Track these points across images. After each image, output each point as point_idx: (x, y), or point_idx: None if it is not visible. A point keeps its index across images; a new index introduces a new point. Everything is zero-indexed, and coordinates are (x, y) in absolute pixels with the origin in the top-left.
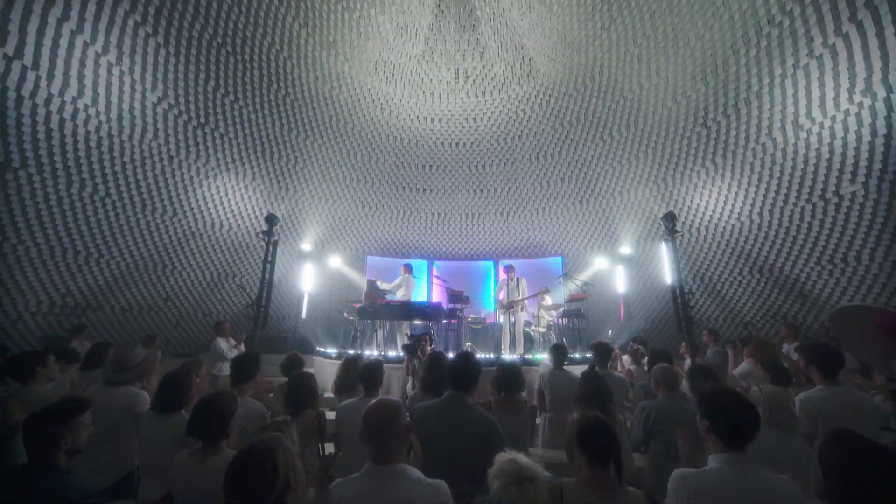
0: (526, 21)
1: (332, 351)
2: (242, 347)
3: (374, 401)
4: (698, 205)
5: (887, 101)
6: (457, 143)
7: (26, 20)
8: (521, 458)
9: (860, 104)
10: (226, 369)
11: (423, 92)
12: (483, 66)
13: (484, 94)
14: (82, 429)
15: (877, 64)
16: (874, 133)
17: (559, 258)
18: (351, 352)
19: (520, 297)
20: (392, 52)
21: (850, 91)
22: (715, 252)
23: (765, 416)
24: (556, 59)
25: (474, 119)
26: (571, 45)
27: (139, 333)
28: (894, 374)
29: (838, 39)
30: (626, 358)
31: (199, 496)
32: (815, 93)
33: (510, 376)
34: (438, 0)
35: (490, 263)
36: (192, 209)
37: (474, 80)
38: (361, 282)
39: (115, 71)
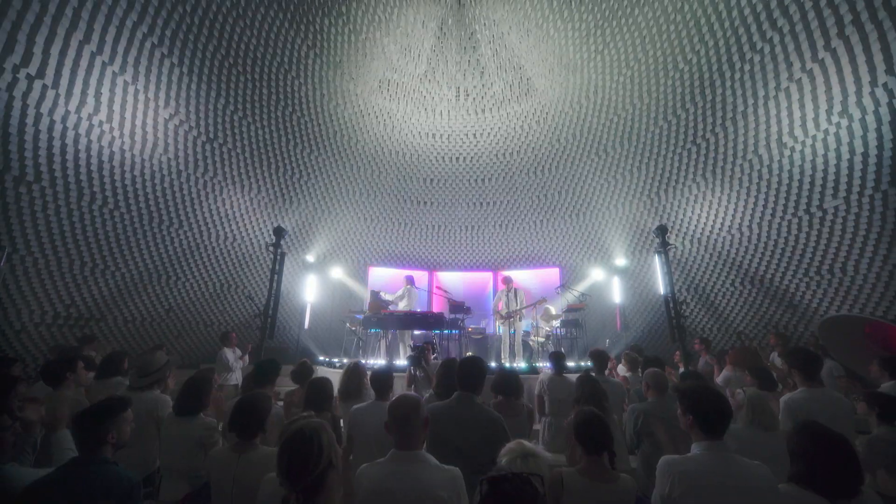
0: (524, 44)
1: (334, 360)
2: (247, 359)
3: (395, 398)
4: (690, 218)
5: (863, 121)
6: (457, 158)
7: (50, 42)
8: (525, 441)
9: (838, 124)
10: (231, 379)
11: (426, 109)
12: (483, 85)
13: (483, 111)
14: (125, 424)
15: (851, 88)
16: (852, 151)
17: (557, 269)
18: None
19: (517, 308)
20: (396, 72)
21: (829, 112)
22: (707, 263)
23: (749, 416)
24: (553, 80)
25: (474, 135)
26: (567, 67)
27: (141, 345)
28: (871, 379)
29: (815, 65)
30: (621, 367)
31: (235, 487)
32: (797, 113)
33: (509, 381)
34: (441, 23)
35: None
36: (197, 221)
37: (474, 98)
38: (363, 292)
39: (131, 89)
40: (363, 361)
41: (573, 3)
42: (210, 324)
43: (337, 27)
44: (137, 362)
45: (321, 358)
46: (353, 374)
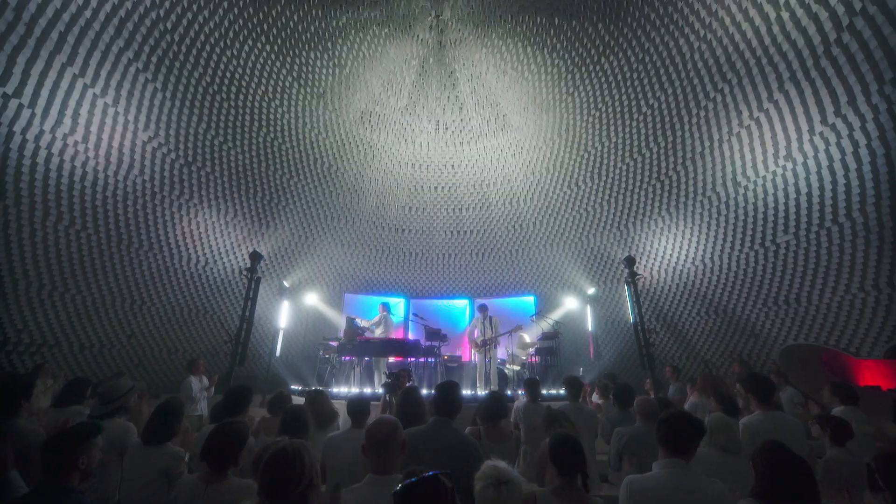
0: (500, 83)
1: (306, 388)
2: (213, 390)
3: (373, 421)
4: (657, 249)
5: (805, 165)
6: (435, 188)
7: (32, 63)
8: (501, 464)
9: (784, 167)
10: (196, 410)
11: (406, 140)
12: (461, 120)
13: (461, 143)
14: (96, 450)
15: (793, 135)
16: (798, 191)
17: (533, 297)
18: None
19: (492, 335)
20: (378, 104)
21: (775, 156)
22: (674, 293)
23: (712, 440)
24: (528, 117)
25: (452, 166)
26: (541, 106)
27: (97, 373)
28: (824, 402)
29: (761, 114)
30: (595, 395)
31: None
32: (748, 156)
33: (495, 404)
34: (422, 62)
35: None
36: (168, 244)
37: (453, 132)
38: (337, 319)
39: (111, 111)
40: (334, 390)
41: (546, 49)
42: (174, 350)
43: (322, 61)
44: (103, 388)
45: (293, 387)
46: (315, 402)
